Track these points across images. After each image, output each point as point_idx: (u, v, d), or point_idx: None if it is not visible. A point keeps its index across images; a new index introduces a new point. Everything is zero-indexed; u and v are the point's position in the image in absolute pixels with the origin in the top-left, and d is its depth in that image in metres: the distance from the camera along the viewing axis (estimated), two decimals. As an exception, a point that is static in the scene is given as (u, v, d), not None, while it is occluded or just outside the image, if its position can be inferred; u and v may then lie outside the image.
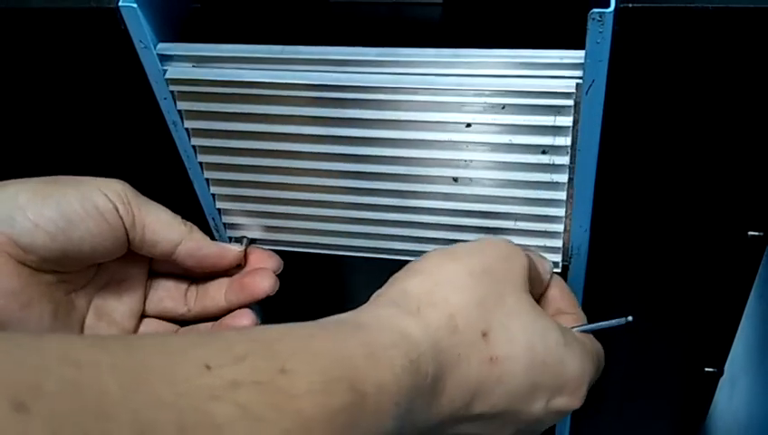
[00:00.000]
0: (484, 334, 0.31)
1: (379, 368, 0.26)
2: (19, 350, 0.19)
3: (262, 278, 0.39)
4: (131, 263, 0.39)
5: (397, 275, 0.34)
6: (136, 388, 0.20)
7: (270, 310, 0.46)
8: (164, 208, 0.37)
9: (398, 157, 0.37)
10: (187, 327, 0.41)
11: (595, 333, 0.37)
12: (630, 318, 0.36)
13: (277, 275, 0.40)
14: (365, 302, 0.53)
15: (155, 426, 0.19)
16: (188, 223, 0.38)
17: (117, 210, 0.34)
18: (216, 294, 0.40)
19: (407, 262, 0.42)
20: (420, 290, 0.32)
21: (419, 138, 0.36)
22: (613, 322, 0.36)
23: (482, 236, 0.39)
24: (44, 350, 0.19)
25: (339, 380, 0.24)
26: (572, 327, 0.36)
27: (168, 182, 0.40)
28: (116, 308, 0.39)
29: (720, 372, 0.47)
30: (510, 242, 0.36)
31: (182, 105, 0.38)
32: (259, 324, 0.40)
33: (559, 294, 0.38)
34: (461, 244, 0.35)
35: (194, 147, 0.40)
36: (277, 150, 0.39)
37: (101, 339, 0.22)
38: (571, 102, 0.33)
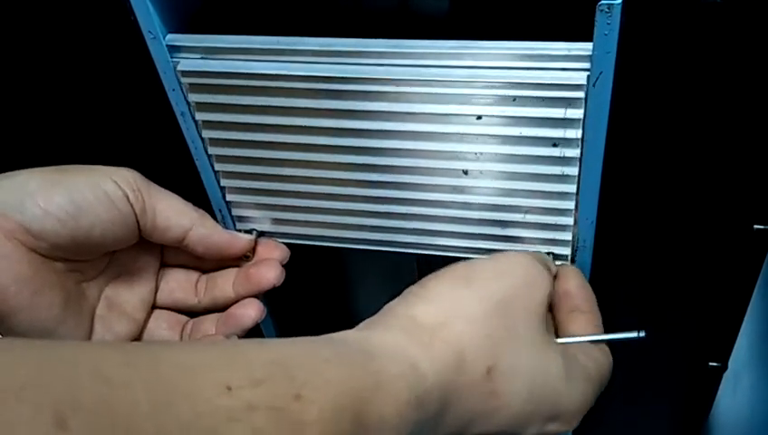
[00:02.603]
0: (489, 370, 0.31)
1: (384, 401, 0.27)
2: (55, 362, 0.19)
3: (268, 269, 0.40)
4: (143, 254, 0.39)
5: (411, 291, 0.34)
6: (161, 407, 0.20)
7: (278, 302, 0.46)
8: (175, 195, 0.37)
9: (407, 149, 0.37)
10: (197, 319, 0.41)
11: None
12: (643, 333, 0.36)
13: (285, 267, 0.41)
14: (371, 296, 0.53)
15: None
16: (200, 210, 0.38)
17: (127, 197, 0.35)
18: (225, 285, 0.41)
19: (414, 255, 0.42)
20: (432, 321, 0.31)
21: (430, 130, 0.36)
22: (625, 335, 0.36)
23: (496, 233, 0.39)
24: (79, 364, 0.20)
25: (345, 409, 0.25)
26: (581, 339, 0.36)
27: (175, 174, 0.40)
28: (127, 299, 0.39)
29: (724, 367, 0.47)
30: (537, 262, 0.35)
31: (193, 97, 0.38)
32: (266, 314, 0.40)
33: (575, 290, 0.38)
34: (480, 264, 0.35)
35: (204, 139, 0.40)
36: (287, 143, 0.39)
37: (130, 354, 0.22)
38: (582, 94, 0.33)
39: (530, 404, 0.32)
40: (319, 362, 0.26)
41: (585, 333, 0.37)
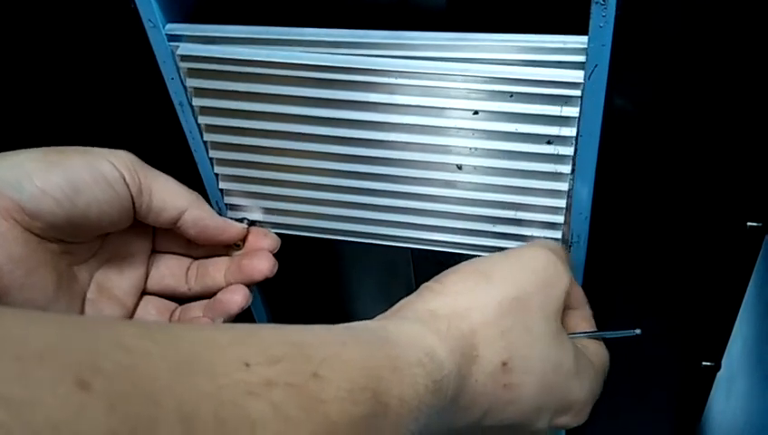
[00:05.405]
0: (504, 364, 0.32)
1: (403, 383, 0.27)
2: (76, 332, 0.19)
3: (260, 260, 0.40)
4: (134, 239, 0.39)
5: (427, 286, 0.34)
6: (181, 377, 0.20)
7: (272, 292, 0.46)
8: (170, 177, 0.38)
9: (402, 142, 0.37)
10: (185, 305, 0.41)
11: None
12: (638, 331, 0.37)
13: (278, 257, 0.41)
14: (365, 285, 0.53)
15: (196, 414, 0.20)
16: (195, 192, 0.38)
17: (123, 178, 0.35)
18: (216, 274, 0.41)
19: (406, 249, 0.42)
20: (450, 312, 0.32)
21: (426, 123, 0.36)
22: (621, 332, 0.37)
23: (488, 229, 0.39)
24: (98, 334, 0.20)
25: (364, 389, 0.25)
26: (579, 333, 0.37)
27: (172, 163, 0.40)
28: (118, 284, 0.39)
29: (717, 367, 0.47)
30: (557, 258, 0.35)
31: (191, 82, 0.38)
32: (252, 300, 0.40)
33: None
34: (499, 260, 0.35)
35: (200, 126, 0.40)
36: (282, 132, 0.39)
37: (149, 329, 0.22)
38: (578, 93, 0.33)
39: (540, 398, 0.33)
40: (335, 344, 0.26)
41: (578, 328, 0.37)
